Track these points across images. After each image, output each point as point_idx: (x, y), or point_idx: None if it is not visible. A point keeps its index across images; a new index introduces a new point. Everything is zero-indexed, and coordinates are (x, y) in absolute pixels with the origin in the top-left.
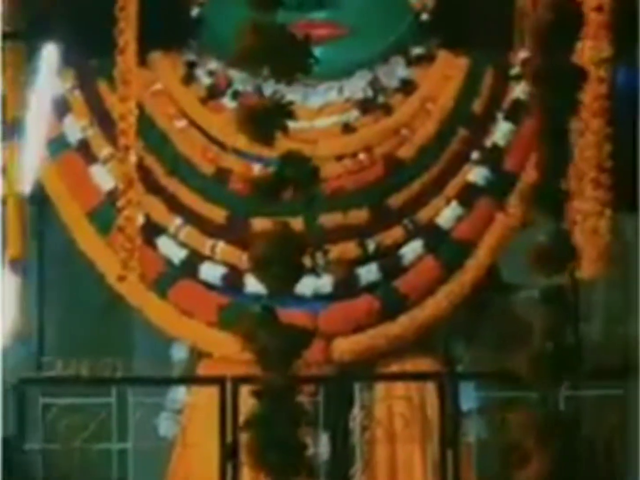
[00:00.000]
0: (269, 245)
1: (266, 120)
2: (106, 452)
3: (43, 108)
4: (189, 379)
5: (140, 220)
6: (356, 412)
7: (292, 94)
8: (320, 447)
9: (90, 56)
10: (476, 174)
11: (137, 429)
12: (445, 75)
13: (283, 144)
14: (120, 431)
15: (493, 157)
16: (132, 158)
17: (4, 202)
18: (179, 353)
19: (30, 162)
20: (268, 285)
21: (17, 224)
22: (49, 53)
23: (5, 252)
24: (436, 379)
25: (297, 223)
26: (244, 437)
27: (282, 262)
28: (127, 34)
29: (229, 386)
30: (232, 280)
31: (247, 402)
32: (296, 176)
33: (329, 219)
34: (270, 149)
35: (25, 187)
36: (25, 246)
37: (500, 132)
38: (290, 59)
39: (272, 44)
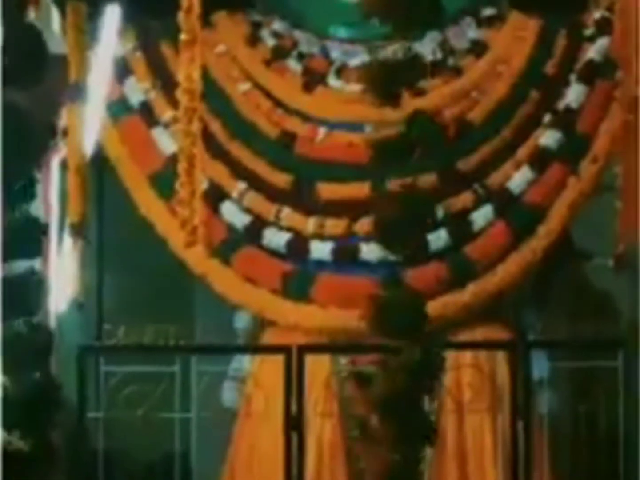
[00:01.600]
0: (399, 208)
1: (394, 78)
2: (169, 421)
3: (104, 70)
4: (254, 348)
5: (203, 185)
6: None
7: (358, 56)
8: None
9: (153, 17)
10: (548, 138)
11: (200, 398)
12: (516, 36)
13: (342, 107)
14: (183, 400)
15: (566, 120)
16: (197, 121)
17: (65, 166)
18: (242, 321)
19: (92, 124)
20: (396, 251)
21: (79, 188)
22: (110, 13)
23: (66, 216)
24: (507, 347)
25: (363, 188)
26: None
27: (412, 225)
28: None
29: (294, 355)
30: (297, 247)
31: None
32: (423, 136)
33: (397, 184)
34: (337, 113)
35: (87, 150)
36: (86, 210)
37: (574, 94)
38: (419, 11)
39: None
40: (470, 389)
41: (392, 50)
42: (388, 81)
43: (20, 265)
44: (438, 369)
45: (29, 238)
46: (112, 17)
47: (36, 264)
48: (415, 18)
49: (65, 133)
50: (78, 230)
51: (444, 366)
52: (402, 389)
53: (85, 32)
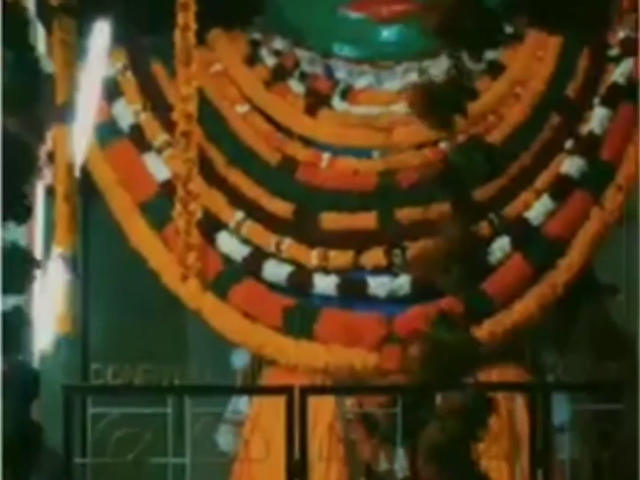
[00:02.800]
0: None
1: (445, 102)
2: (162, 467)
3: (93, 90)
4: (253, 389)
5: (198, 214)
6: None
7: (365, 77)
8: (397, 463)
9: (144, 34)
10: (570, 165)
11: (195, 443)
12: (535, 56)
13: (347, 132)
14: (176, 445)
15: (589, 146)
16: (193, 145)
17: (52, 192)
18: (240, 360)
19: (79, 149)
20: (451, 287)
21: (67, 216)
22: (99, 30)
23: (51, 247)
24: (525, 389)
25: (370, 218)
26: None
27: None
28: (187, 10)
29: (296, 396)
30: (299, 280)
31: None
32: (470, 164)
33: (406, 214)
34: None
35: (74, 176)
36: (74, 240)
37: (597, 118)
38: (482, 33)
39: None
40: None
41: (441, 69)
42: (440, 103)
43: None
44: (489, 414)
45: (16, 271)
46: (101, 34)
47: (21, 299)
48: (475, 36)
49: (51, 158)
50: (67, 263)
51: (494, 410)
52: (454, 436)
53: (74, 49)
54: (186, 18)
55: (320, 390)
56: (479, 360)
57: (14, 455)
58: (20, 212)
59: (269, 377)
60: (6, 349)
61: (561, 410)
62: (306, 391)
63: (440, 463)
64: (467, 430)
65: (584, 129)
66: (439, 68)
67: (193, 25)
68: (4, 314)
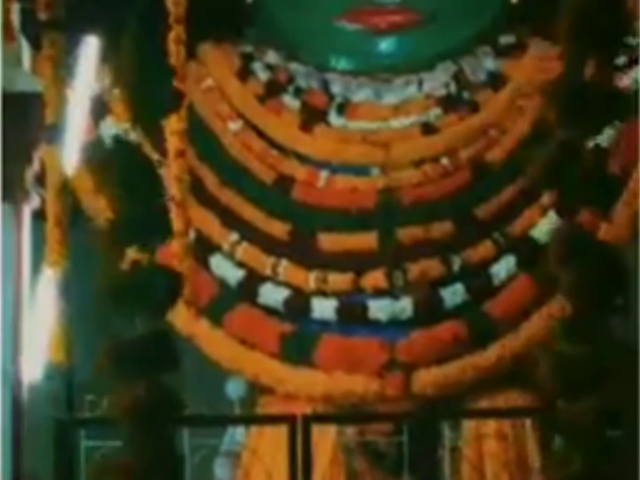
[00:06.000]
0: None
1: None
2: None
3: (81, 108)
4: (253, 418)
5: (190, 236)
6: (443, 453)
7: (362, 90)
8: None
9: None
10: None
11: (194, 474)
12: (539, 67)
13: (345, 148)
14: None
15: (596, 160)
16: (185, 164)
17: (41, 216)
18: (235, 389)
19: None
20: None
21: (58, 239)
22: (87, 46)
23: (39, 271)
24: (534, 415)
25: (370, 238)
26: None
27: None
28: (176, 23)
29: (299, 426)
30: (297, 305)
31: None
32: None
33: (407, 233)
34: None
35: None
36: (65, 264)
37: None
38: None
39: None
40: (495, 462)
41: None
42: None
43: None
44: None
45: None
46: (88, 50)
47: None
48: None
49: (38, 179)
50: (58, 287)
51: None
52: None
53: (62, 66)
54: (177, 30)
55: (325, 418)
56: (606, 376)
57: None
58: None
59: (266, 406)
60: None
61: None
62: (309, 420)
63: None
64: None
65: (591, 143)
66: (436, 80)
67: (183, 38)
68: None
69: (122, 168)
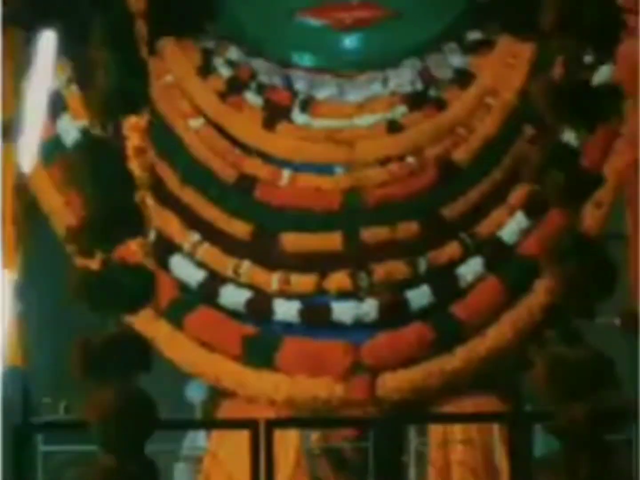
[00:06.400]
0: None
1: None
2: None
3: (39, 105)
4: (215, 423)
5: (150, 236)
6: (408, 459)
7: (326, 87)
8: None
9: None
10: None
11: None
12: (507, 64)
13: (308, 147)
14: None
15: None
16: (145, 162)
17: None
18: (196, 392)
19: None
20: None
21: (15, 239)
22: (45, 40)
23: None
24: (502, 420)
25: (334, 239)
26: None
27: None
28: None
29: (262, 430)
30: (259, 307)
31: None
32: None
33: (372, 234)
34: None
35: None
36: (26, 265)
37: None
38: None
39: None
40: (462, 468)
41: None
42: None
43: None
44: None
45: None
46: (47, 44)
47: None
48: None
49: None
50: (16, 288)
51: None
52: None
53: (22, 61)
54: (138, 25)
55: (288, 423)
56: (602, 378)
57: None
58: None
59: (227, 410)
60: None
61: (542, 441)
62: (272, 425)
63: None
64: None
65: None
66: (401, 77)
67: (144, 34)
68: None
69: (93, 164)
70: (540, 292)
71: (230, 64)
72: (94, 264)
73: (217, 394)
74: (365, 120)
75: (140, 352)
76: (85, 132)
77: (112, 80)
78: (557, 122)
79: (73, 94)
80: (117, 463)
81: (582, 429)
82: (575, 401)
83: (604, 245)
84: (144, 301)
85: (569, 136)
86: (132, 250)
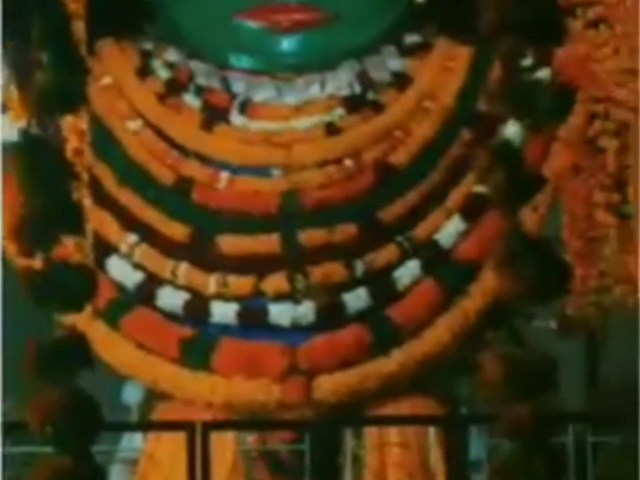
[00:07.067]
0: None
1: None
2: None
3: None
4: (151, 425)
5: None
6: (345, 461)
7: (264, 90)
8: None
9: (28, 46)
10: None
11: None
12: (445, 67)
13: (246, 149)
14: None
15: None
16: (84, 163)
17: None
18: (132, 394)
19: None
20: None
21: None
22: None
23: None
24: (437, 423)
25: (272, 241)
26: None
27: None
28: (74, 19)
29: (198, 433)
30: (196, 309)
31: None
32: None
33: (309, 236)
34: (240, 155)
35: None
36: None
37: (511, 134)
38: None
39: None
40: (398, 471)
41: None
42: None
43: None
44: None
45: None
46: None
47: None
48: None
49: None
50: None
51: None
52: None
53: None
54: (77, 25)
55: (224, 425)
56: (555, 378)
57: None
58: None
59: (164, 412)
60: None
61: (478, 444)
62: (208, 427)
63: None
64: None
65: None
66: (339, 80)
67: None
68: None
69: (32, 162)
70: (476, 295)
71: (169, 65)
72: (36, 263)
73: (154, 396)
74: (302, 122)
75: (84, 350)
76: (23, 132)
77: (49, 79)
78: (498, 122)
79: (12, 95)
80: (69, 463)
81: (529, 431)
82: (522, 402)
83: (555, 246)
84: (88, 299)
85: (513, 136)
86: (71, 250)
